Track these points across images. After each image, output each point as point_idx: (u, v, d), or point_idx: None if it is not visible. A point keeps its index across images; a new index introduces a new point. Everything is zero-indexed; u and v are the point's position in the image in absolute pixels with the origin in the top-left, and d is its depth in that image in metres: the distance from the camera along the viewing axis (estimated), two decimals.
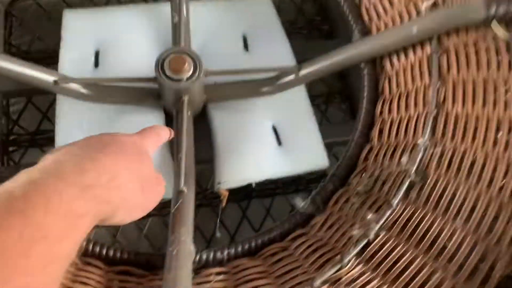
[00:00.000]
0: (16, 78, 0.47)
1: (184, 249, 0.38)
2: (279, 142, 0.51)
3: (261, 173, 0.49)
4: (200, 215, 0.60)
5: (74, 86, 0.48)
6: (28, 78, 0.47)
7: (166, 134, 0.42)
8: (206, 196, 0.60)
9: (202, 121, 0.51)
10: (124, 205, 0.31)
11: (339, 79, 0.64)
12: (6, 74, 0.47)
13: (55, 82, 0.47)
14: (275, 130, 0.52)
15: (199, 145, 0.50)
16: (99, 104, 0.50)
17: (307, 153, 0.50)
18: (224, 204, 0.49)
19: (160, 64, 0.46)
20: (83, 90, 0.48)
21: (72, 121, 0.49)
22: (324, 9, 0.67)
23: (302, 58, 0.54)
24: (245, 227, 0.60)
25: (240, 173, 0.49)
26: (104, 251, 0.40)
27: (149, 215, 0.57)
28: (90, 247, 0.41)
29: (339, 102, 0.64)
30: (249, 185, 0.64)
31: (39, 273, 0.23)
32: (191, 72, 0.45)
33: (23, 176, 0.26)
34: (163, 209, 0.57)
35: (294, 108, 0.52)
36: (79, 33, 0.53)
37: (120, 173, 0.30)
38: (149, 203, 0.36)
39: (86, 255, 0.40)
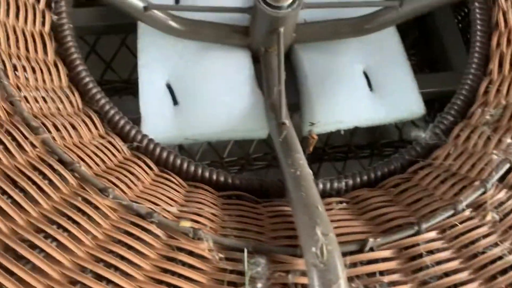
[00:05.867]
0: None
1: (306, 171, 0.34)
2: (370, 88, 0.48)
3: (354, 118, 0.46)
4: (270, 176, 0.56)
5: (162, 17, 0.45)
6: (117, 1, 0.44)
7: None
8: (275, 157, 0.57)
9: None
10: None
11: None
12: None
13: (145, 8, 0.44)
14: (365, 76, 0.49)
15: None
16: (181, 40, 0.47)
17: (402, 99, 0.47)
18: (311, 149, 0.45)
19: None
20: (171, 22, 0.45)
21: (155, 55, 0.46)
22: None
23: None
24: None
25: (334, 115, 0.45)
26: (214, 176, 0.37)
27: None
28: (199, 171, 0.37)
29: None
30: (320, 148, 0.61)
31: None
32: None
33: None
34: None
35: (387, 52, 0.49)
36: None
37: None
38: None
39: (193, 179, 0.37)
